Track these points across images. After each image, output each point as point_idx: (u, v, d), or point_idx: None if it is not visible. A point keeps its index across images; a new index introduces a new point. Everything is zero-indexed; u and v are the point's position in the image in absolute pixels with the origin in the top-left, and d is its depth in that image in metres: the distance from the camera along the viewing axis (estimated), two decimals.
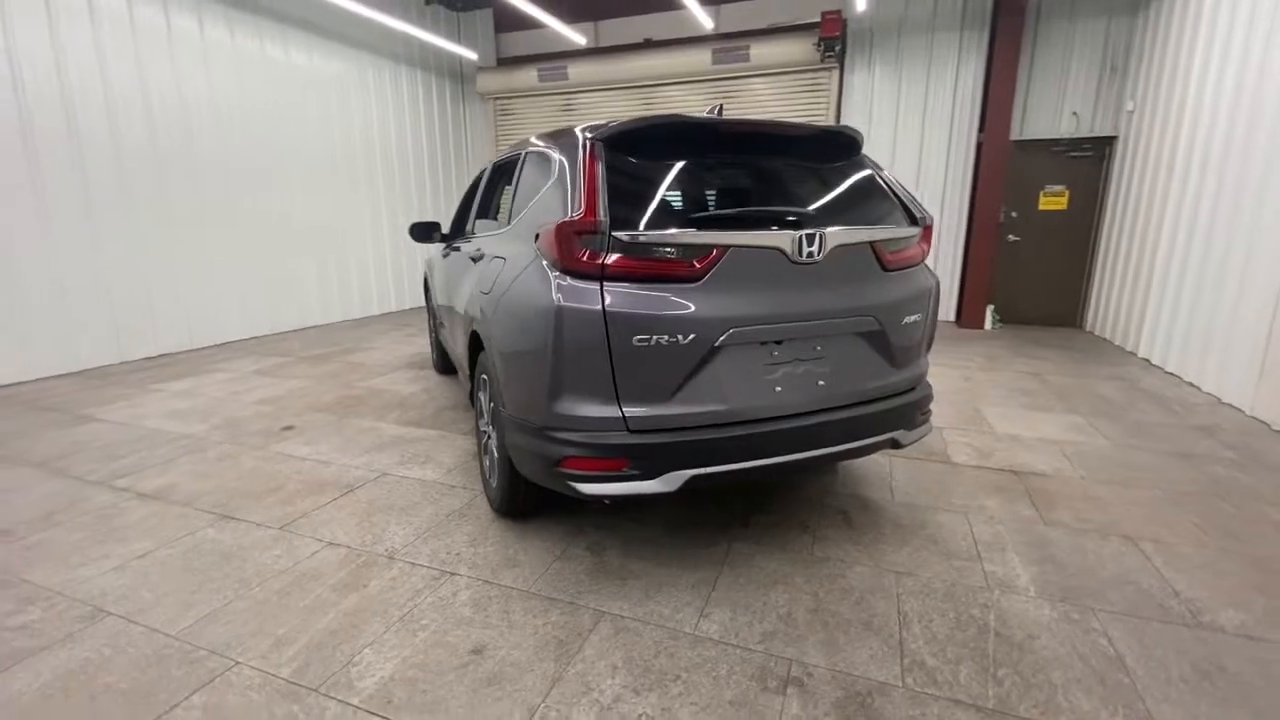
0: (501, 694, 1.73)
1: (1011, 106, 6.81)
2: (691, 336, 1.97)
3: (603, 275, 1.95)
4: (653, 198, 2.07)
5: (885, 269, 2.32)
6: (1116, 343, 6.35)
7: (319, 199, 7.57)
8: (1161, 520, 2.71)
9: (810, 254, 2.09)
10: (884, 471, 3.23)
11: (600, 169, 2.06)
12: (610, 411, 1.99)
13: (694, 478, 2.04)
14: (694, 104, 8.38)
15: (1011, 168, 7.17)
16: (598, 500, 2.17)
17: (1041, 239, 7.37)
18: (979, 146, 7.11)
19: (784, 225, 2.11)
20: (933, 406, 2.68)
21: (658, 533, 2.60)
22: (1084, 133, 6.93)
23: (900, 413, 2.41)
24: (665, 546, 2.50)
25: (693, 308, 1.97)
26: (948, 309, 7.73)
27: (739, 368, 2.08)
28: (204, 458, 3.41)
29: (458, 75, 9.62)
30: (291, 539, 2.55)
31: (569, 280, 1.97)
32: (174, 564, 2.37)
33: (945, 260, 7.64)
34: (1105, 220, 6.90)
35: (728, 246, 2.00)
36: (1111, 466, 3.29)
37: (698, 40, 8.07)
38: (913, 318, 2.40)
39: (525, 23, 8.77)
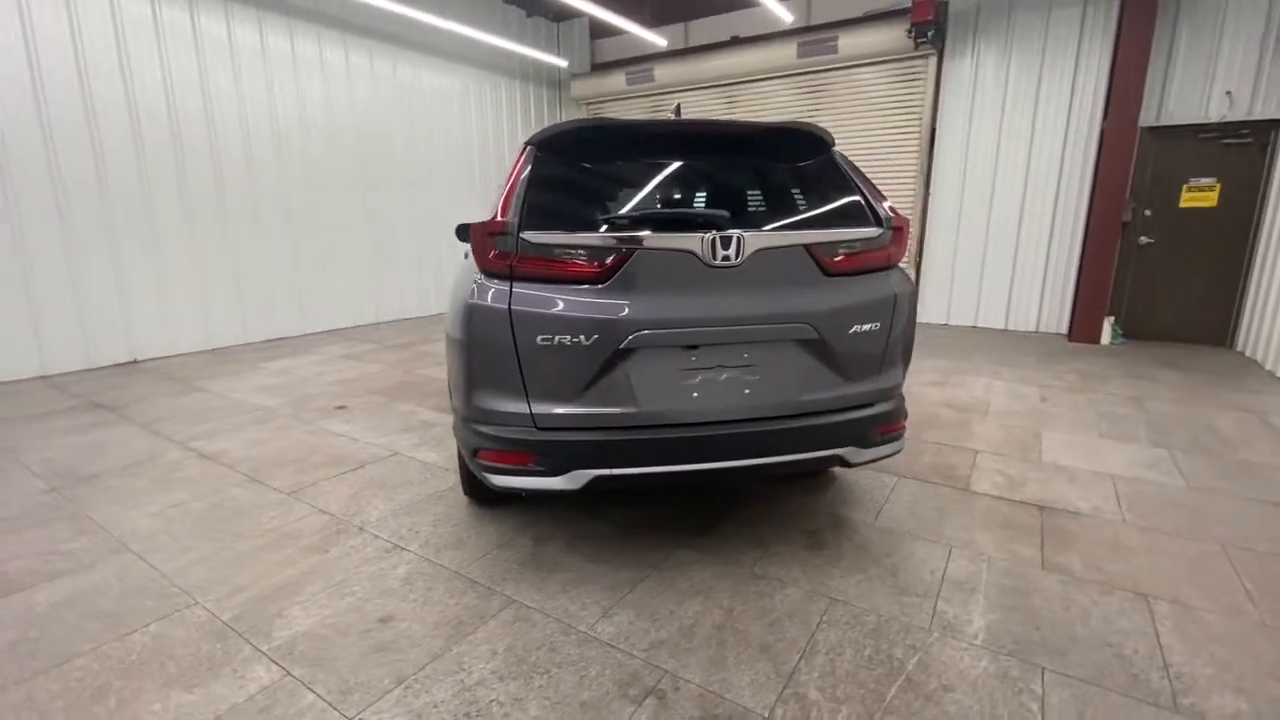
0: (383, 661, 1.86)
1: (1142, 88, 5.88)
2: (595, 338, 1.97)
3: (512, 275, 2.02)
4: (573, 199, 2.10)
5: (827, 273, 2.16)
6: (1268, 368, 5.28)
7: (426, 201, 8.32)
8: (1202, 580, 2.26)
9: (726, 257, 2.01)
10: (882, 491, 2.98)
11: (526, 172, 2.12)
12: (520, 407, 2.06)
13: (598, 478, 2.05)
14: (781, 100, 8.13)
15: (1145, 159, 6.19)
16: (512, 493, 2.23)
17: (1183, 241, 6.28)
18: (1101, 135, 6.22)
19: (700, 227, 2.04)
20: (905, 423, 2.45)
21: (609, 531, 2.62)
22: (1240, 116, 5.81)
23: (851, 428, 2.23)
24: (609, 545, 2.52)
25: (597, 309, 1.98)
26: (1056, 319, 6.85)
27: (652, 371, 2.05)
28: (264, 428, 3.93)
29: (555, 83, 10.07)
30: (292, 504, 2.89)
31: (484, 279, 2.06)
32: (196, 515, 2.79)
33: (1056, 265, 6.78)
34: (1267, 220, 5.74)
35: (635, 249, 1.99)
36: (1171, 512, 2.78)
37: (783, 35, 7.82)
38: (865, 327, 2.20)
39: (618, 28, 8.99)
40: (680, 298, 2.03)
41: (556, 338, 1.97)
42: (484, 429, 2.09)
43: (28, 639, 1.96)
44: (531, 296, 1.99)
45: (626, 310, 1.98)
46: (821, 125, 2.37)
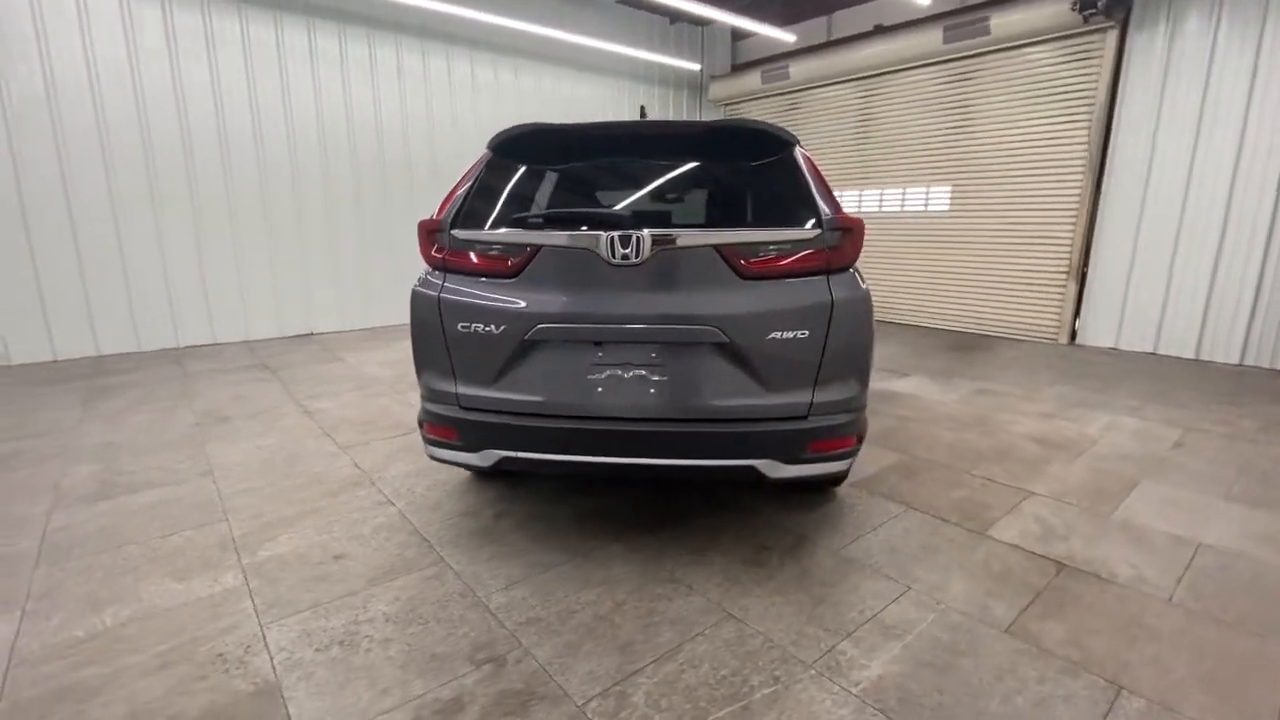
0: (314, 588, 2.21)
1: None
2: (504, 328, 2.11)
3: (444, 267, 2.24)
4: (511, 200, 2.25)
5: (742, 276, 2.05)
6: None
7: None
8: (1223, 690, 1.76)
9: (625, 256, 2.01)
10: (877, 519, 2.70)
11: (476, 172, 2.33)
12: (450, 387, 2.27)
13: (505, 458, 2.19)
14: (924, 91, 7.40)
15: None
16: (445, 464, 2.40)
17: None
18: None
19: (602, 226, 2.06)
20: (854, 442, 2.22)
21: (563, 515, 2.74)
22: None
23: (770, 441, 2.10)
24: (556, 528, 2.64)
25: (505, 302, 2.12)
26: (1271, 350, 5.37)
27: (559, 364, 2.14)
28: (362, 394, 4.66)
29: (696, 86, 10.21)
30: (339, 457, 3.44)
31: (427, 271, 2.30)
32: (269, 456, 3.46)
33: (1276, 281, 5.31)
34: None
35: (540, 246, 2.08)
36: (1247, 599, 2.15)
37: (928, 20, 7.10)
38: (788, 335, 2.05)
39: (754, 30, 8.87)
40: (582, 294, 2.09)
41: (474, 326, 2.15)
42: (427, 405, 2.35)
43: (110, 526, 2.65)
44: (457, 288, 2.20)
45: (531, 304, 2.10)
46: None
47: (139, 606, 2.11)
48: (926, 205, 7.62)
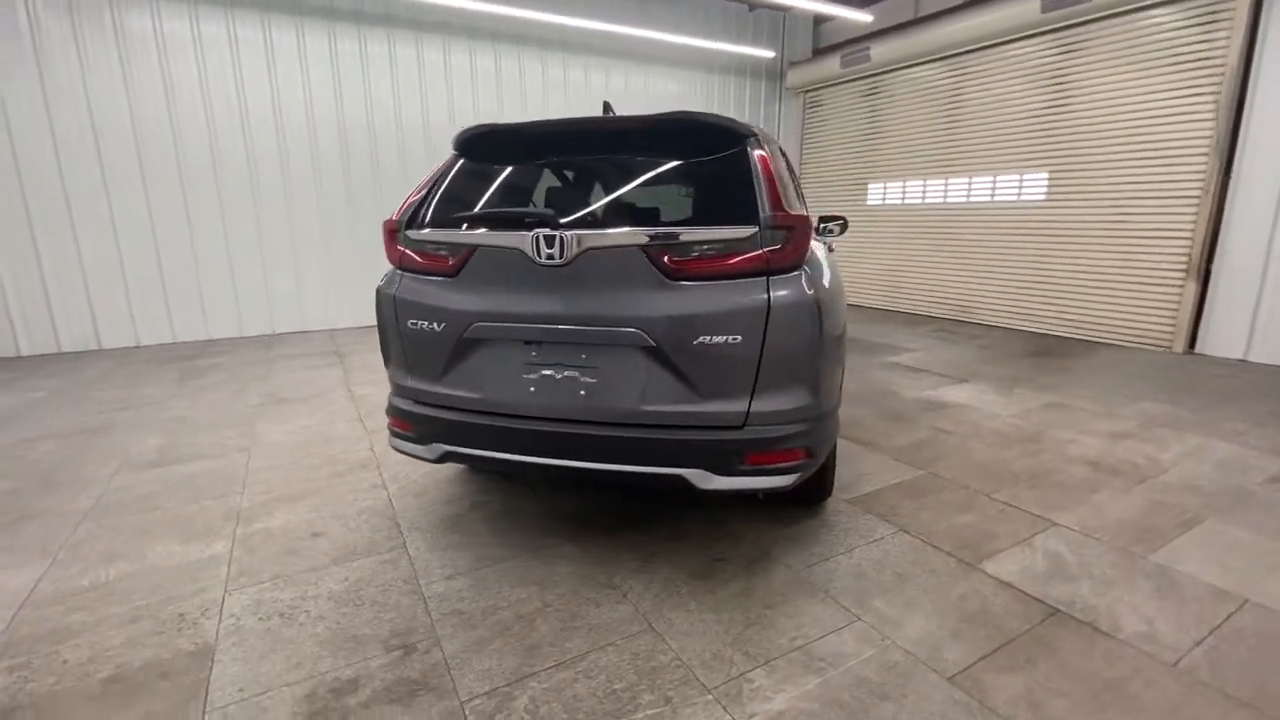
0: (284, 561, 2.39)
1: None
2: (443, 325, 2.16)
3: (401, 266, 2.32)
4: (457, 198, 2.28)
5: (670, 276, 1.95)
6: None
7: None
8: None
9: (551, 256, 1.98)
10: (856, 540, 2.49)
11: (438, 172, 2.38)
12: (405, 381, 2.37)
13: (447, 452, 2.25)
14: (1021, 66, 6.66)
15: None
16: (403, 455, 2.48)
17: None
18: None
19: (530, 225, 2.03)
20: (804, 456, 2.06)
21: (533, 511, 2.77)
22: None
23: (701, 450, 2.00)
24: (520, 524, 2.67)
25: (446, 300, 2.16)
26: None
27: (496, 362, 2.15)
28: None
29: (775, 73, 9.83)
30: (362, 440, 3.70)
31: (390, 269, 2.40)
32: (305, 436, 3.77)
33: None
34: None
35: (475, 246, 2.10)
36: (1277, 672, 1.77)
37: None
38: (719, 339, 1.93)
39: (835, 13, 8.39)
40: (514, 294, 2.09)
41: (420, 323, 2.23)
42: (390, 398, 2.47)
43: (151, 492, 3.02)
44: (409, 286, 2.28)
45: (468, 303, 2.13)
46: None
47: (141, 564, 2.39)
48: (1020, 194, 6.87)
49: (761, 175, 2.02)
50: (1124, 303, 6.10)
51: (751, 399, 2.00)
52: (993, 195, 7.14)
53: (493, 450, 2.18)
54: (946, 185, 7.63)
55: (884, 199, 8.48)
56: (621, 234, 1.98)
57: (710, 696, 1.71)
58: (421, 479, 3.13)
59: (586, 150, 2.27)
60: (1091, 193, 6.22)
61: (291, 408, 4.31)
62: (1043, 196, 6.66)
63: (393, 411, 2.41)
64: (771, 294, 1.94)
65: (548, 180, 2.40)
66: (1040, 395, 4.49)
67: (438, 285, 2.21)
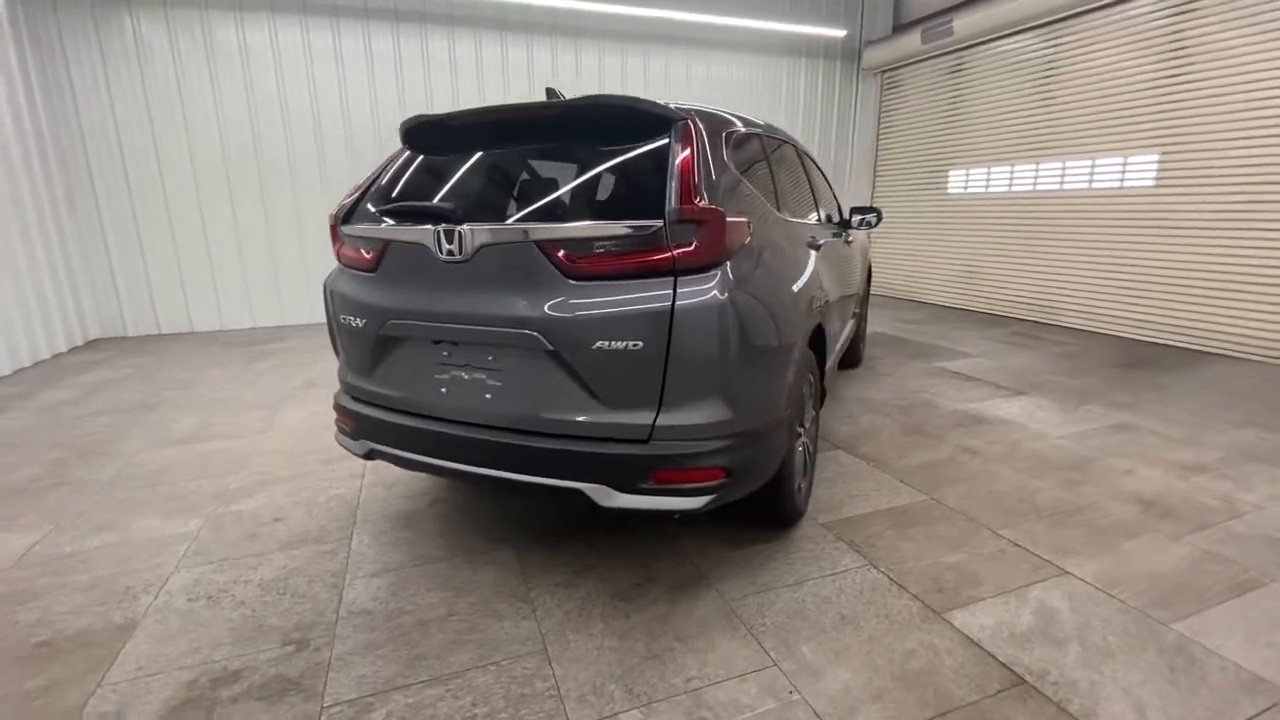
0: (238, 542, 2.49)
1: None
2: (365, 321, 2.14)
3: (339, 260, 2.32)
4: (387, 192, 2.23)
5: (568, 275, 1.79)
6: None
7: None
8: None
9: (451, 252, 1.88)
10: (812, 571, 2.24)
11: (381, 166, 2.35)
12: (344, 376, 2.38)
13: (373, 449, 2.23)
14: (1125, 34, 5.77)
15: None
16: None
17: None
18: None
19: (435, 219, 1.93)
20: (721, 476, 1.84)
21: (488, 512, 2.72)
22: None
23: (601, 464, 1.84)
24: (470, 525, 2.63)
25: (366, 296, 2.13)
26: None
27: (412, 360, 2.10)
28: None
29: (852, 54, 9.18)
30: None
31: (336, 262, 2.41)
32: (316, 422, 3.96)
33: None
34: None
35: (388, 241, 2.04)
36: None
37: None
38: (616, 344, 1.75)
39: None
40: (421, 291, 2.01)
41: (349, 318, 2.22)
42: (336, 392, 2.49)
43: (165, 468, 3.26)
44: (342, 280, 2.28)
45: (383, 299, 2.09)
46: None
47: (121, 536, 2.58)
48: (1123, 180, 5.98)
49: (678, 165, 1.82)
50: (1243, 307, 5.15)
51: (658, 411, 1.82)
52: (1090, 181, 6.26)
53: (408, 451, 2.14)
54: (1037, 170, 6.79)
55: (966, 187, 7.70)
56: (515, 229, 1.85)
57: None
58: (398, 472, 3.17)
59: (514, 139, 2.15)
60: (1210, 178, 5.29)
61: (319, 394, 4.55)
62: (1151, 182, 5.74)
63: (337, 408, 2.43)
64: (677, 296, 1.74)
65: (476, 170, 2.30)
66: (1111, 414, 3.87)
67: (361, 281, 2.19)
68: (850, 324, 4.26)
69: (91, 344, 6.46)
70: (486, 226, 1.88)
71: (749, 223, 2.01)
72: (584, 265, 1.79)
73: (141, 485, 3.05)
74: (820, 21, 8.44)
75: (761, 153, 2.57)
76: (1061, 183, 6.54)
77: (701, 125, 1.99)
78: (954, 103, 7.71)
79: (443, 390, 2.06)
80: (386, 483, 3.04)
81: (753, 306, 1.89)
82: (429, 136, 2.25)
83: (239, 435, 3.72)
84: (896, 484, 2.95)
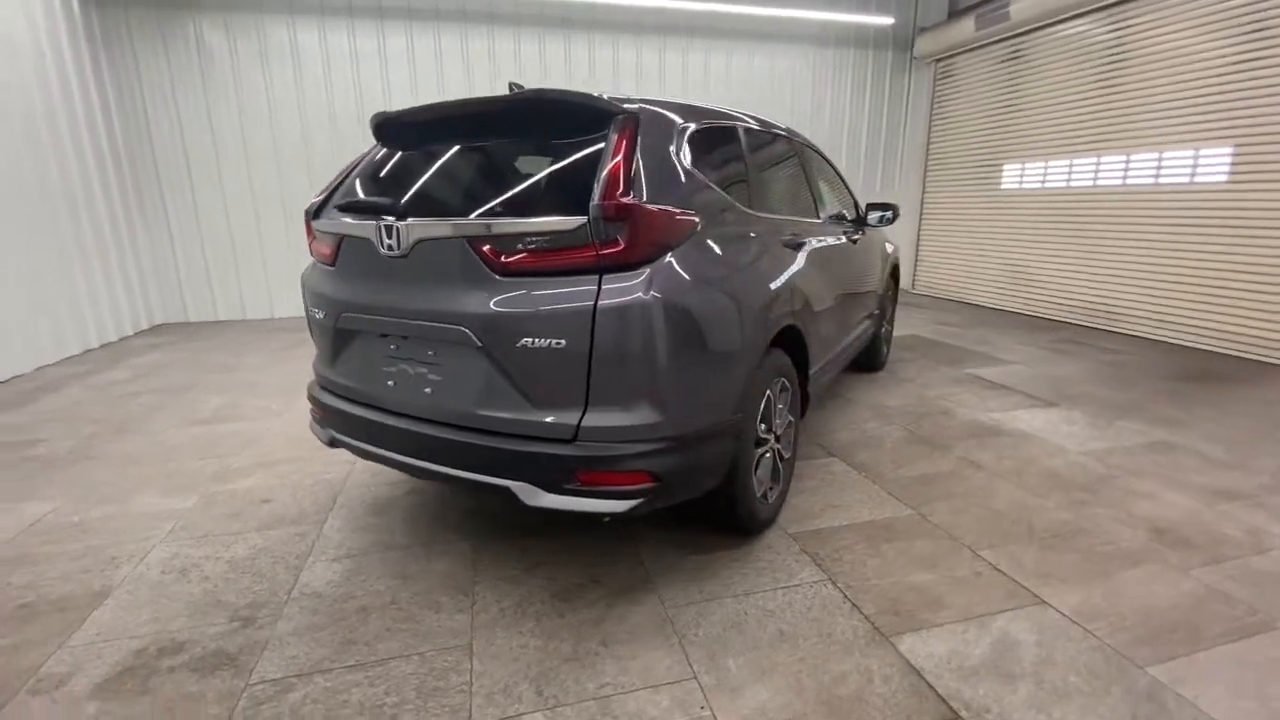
0: (221, 523, 2.62)
1: None
2: (324, 314, 2.19)
3: (311, 254, 2.39)
4: (349, 187, 2.27)
5: (497, 272, 1.77)
6: None
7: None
8: None
9: (390, 247, 1.90)
10: (764, 582, 2.15)
11: (354, 161, 2.41)
12: (316, 365, 2.45)
13: (333, 438, 2.30)
14: (1202, 11, 5.25)
15: None
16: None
17: None
18: None
19: (379, 214, 1.95)
20: (648, 483, 1.79)
21: (459, 504, 2.76)
22: None
23: (526, 462, 1.82)
24: (442, 514, 2.67)
25: (326, 288, 2.18)
26: None
27: (365, 353, 2.14)
28: None
29: (904, 42, 8.75)
30: None
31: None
32: None
33: None
34: None
35: (342, 236, 2.08)
36: None
37: None
38: (540, 343, 1.73)
39: None
40: (369, 285, 2.05)
41: (314, 310, 2.29)
42: (310, 383, 2.57)
43: (181, 446, 3.48)
44: (311, 273, 2.35)
45: (339, 292, 2.14)
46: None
47: (124, 508, 2.77)
48: (1193, 175, 5.46)
49: (608, 160, 1.77)
50: None
51: (584, 412, 1.78)
52: (1156, 176, 5.74)
53: (361, 441, 2.19)
54: (1098, 165, 6.28)
55: (1021, 182, 7.22)
56: (445, 224, 1.85)
57: None
58: None
59: (465, 134, 2.13)
60: None
61: None
62: (1224, 177, 5.21)
63: (309, 399, 2.52)
64: (600, 295, 1.70)
65: (428, 165, 2.28)
66: (1149, 430, 3.54)
67: (324, 274, 2.26)
68: (864, 326, 4.08)
69: (155, 328, 6.98)
70: (421, 222, 1.89)
71: (696, 220, 1.95)
72: (511, 262, 1.78)
73: (154, 462, 3.26)
74: (867, 9, 8.10)
75: (737, 148, 2.48)
76: (1124, 178, 6.03)
77: (646, 120, 1.93)
78: (1010, 92, 7.23)
79: (390, 383, 2.10)
80: (373, 469, 3.13)
81: (690, 307, 1.82)
82: (394, 131, 2.28)
83: (255, 418, 3.92)
84: (884, 496, 2.80)
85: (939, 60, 8.31)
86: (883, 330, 4.71)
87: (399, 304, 1.98)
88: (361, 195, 2.17)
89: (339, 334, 2.20)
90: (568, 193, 1.78)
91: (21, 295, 5.09)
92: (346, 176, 2.38)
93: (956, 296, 8.34)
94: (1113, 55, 6.02)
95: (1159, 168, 5.71)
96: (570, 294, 1.72)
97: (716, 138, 2.35)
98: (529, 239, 1.76)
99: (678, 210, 1.87)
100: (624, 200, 1.70)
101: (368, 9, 7.03)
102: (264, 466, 3.19)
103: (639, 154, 1.83)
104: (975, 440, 3.43)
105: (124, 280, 6.51)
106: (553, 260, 1.75)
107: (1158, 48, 5.61)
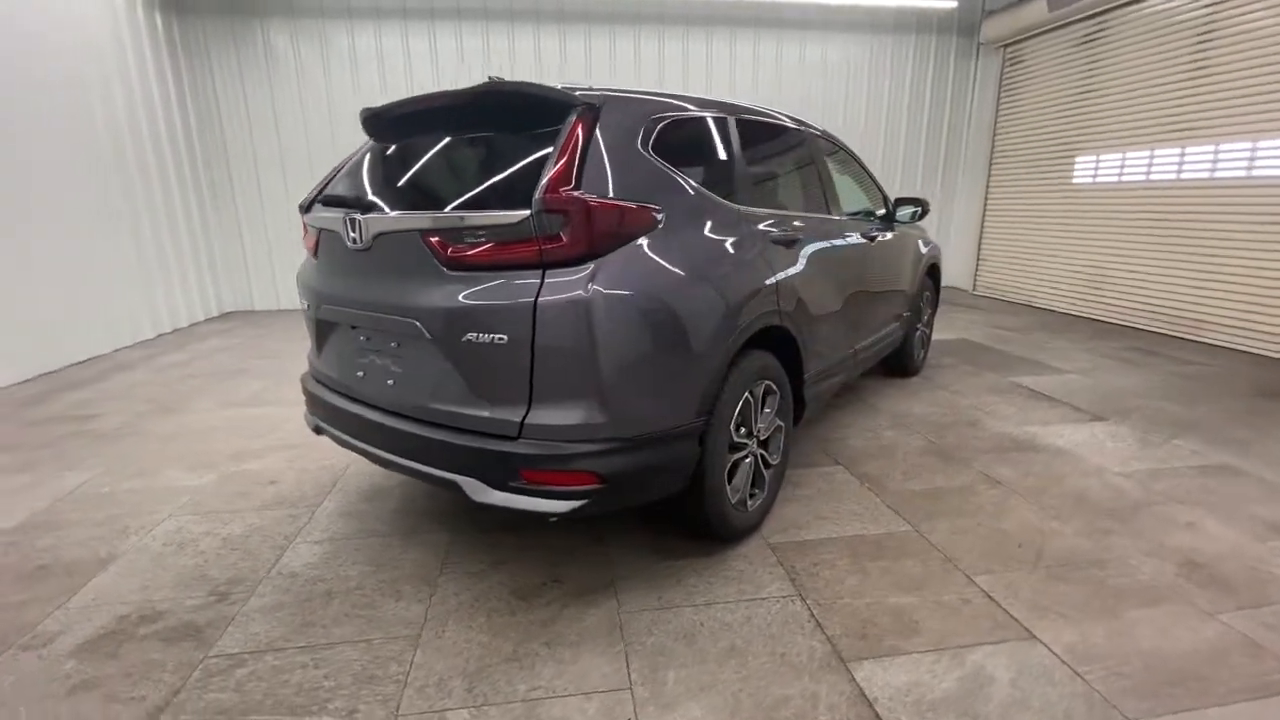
0: (229, 500, 2.77)
1: None
2: (307, 305, 2.27)
3: (305, 246, 2.47)
4: (337, 179, 2.32)
5: (449, 267, 1.76)
6: None
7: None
8: None
9: (354, 240, 1.93)
10: (728, 594, 2.07)
11: (353, 154, 2.46)
12: (309, 355, 2.55)
13: (316, 425, 2.37)
14: None
15: None
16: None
17: None
18: None
19: (345, 207, 1.98)
20: (593, 484, 1.75)
21: (447, 497, 2.79)
22: None
23: (472, 457, 1.81)
24: (425, 506, 2.72)
25: (309, 280, 2.25)
26: None
27: (341, 344, 2.20)
28: None
29: (970, 27, 8.22)
30: None
31: None
32: None
33: None
34: None
35: (319, 229, 2.13)
36: None
37: None
38: (485, 338, 1.71)
39: None
40: (341, 277, 2.10)
41: (301, 301, 2.37)
42: (303, 373, 2.66)
43: (215, 427, 3.71)
44: (304, 266, 2.43)
45: (317, 284, 2.20)
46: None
47: (149, 482, 2.98)
48: None
49: (555, 153, 1.73)
50: None
51: (528, 409, 1.75)
52: (1249, 168, 5.14)
53: (338, 430, 2.25)
54: (1182, 156, 5.69)
55: (1095, 176, 6.64)
56: (398, 218, 1.86)
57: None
58: None
59: (435, 127, 2.12)
60: None
61: None
62: None
63: (300, 381, 2.61)
64: (541, 291, 1.66)
65: (401, 158, 2.28)
66: (1208, 452, 3.17)
67: (309, 266, 2.33)
68: (890, 329, 3.86)
69: (224, 315, 7.51)
70: (379, 216, 1.91)
71: (657, 214, 1.88)
72: (459, 256, 1.77)
73: (189, 440, 3.50)
74: None
75: (725, 141, 2.37)
76: (1213, 170, 5.43)
77: (608, 111, 1.88)
78: (1086, 77, 6.66)
79: (360, 374, 2.14)
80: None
81: (640, 305, 1.76)
82: (379, 126, 2.31)
83: (285, 403, 4.13)
84: (882, 509, 2.63)
85: (1007, 45, 7.75)
86: (916, 333, 4.44)
87: (363, 296, 2.02)
88: (340, 189, 2.22)
89: (320, 324, 2.28)
90: (517, 186, 1.76)
91: (103, 283, 5.58)
92: (336, 172, 2.44)
93: (1022, 299, 7.79)
94: (1202, 34, 5.42)
95: (1252, 159, 5.10)
96: (513, 289, 1.70)
97: (699, 130, 2.26)
98: (477, 233, 1.74)
99: (632, 204, 1.81)
100: (565, 193, 1.66)
101: (420, 11, 7.26)
102: (280, 450, 3.35)
103: (594, 146, 1.78)
104: (1000, 454, 3.18)
105: (195, 270, 7.02)
106: (498, 255, 1.73)
107: (1254, 25, 5.00)
